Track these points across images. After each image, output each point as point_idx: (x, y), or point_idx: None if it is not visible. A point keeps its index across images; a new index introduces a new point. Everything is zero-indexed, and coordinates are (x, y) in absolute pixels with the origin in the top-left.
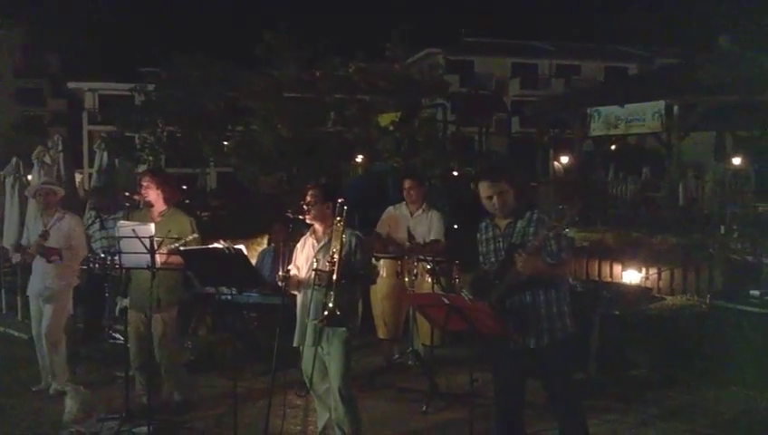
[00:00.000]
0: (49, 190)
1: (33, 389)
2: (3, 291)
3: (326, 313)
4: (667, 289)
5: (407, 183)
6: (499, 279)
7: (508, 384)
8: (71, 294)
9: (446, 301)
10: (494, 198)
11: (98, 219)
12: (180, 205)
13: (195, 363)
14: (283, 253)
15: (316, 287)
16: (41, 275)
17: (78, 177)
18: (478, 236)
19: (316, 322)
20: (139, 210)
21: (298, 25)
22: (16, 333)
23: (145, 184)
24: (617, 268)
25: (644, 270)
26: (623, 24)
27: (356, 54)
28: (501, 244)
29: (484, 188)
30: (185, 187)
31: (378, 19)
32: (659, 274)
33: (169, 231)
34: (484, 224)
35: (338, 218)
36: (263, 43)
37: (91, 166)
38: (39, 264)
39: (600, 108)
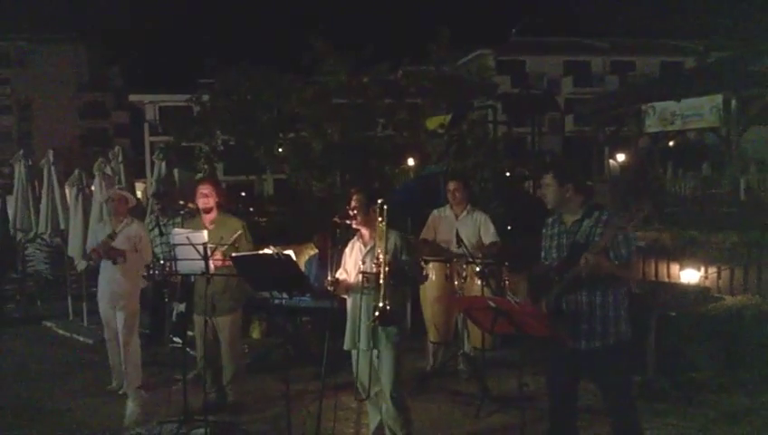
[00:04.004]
0: (122, 197)
1: (107, 388)
2: (69, 298)
3: (377, 312)
4: (726, 289)
5: (452, 185)
6: (558, 276)
7: (560, 385)
8: (138, 296)
9: (492, 304)
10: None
11: (157, 226)
12: (236, 211)
13: (249, 366)
14: (331, 258)
15: (365, 290)
16: (108, 280)
17: (140, 186)
18: (544, 231)
19: (369, 323)
20: (192, 218)
21: (343, 30)
22: (81, 339)
23: (206, 192)
24: (674, 268)
25: (703, 269)
26: (677, 18)
27: (403, 58)
28: (564, 240)
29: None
30: (243, 193)
31: (424, 22)
32: (719, 273)
33: (221, 238)
34: (551, 219)
35: (380, 219)
36: (309, 50)
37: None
38: (106, 268)
39: (656, 103)
